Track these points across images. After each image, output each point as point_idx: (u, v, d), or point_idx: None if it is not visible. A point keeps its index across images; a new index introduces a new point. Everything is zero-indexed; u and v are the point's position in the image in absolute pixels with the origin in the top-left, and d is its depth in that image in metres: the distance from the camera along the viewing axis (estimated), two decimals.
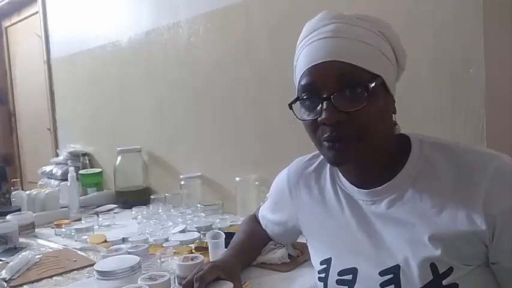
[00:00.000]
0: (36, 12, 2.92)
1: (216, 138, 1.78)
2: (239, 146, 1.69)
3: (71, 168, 2.01)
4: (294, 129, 1.47)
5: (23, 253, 1.28)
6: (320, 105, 0.70)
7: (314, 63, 0.71)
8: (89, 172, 2.26)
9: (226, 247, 1.07)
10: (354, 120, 0.69)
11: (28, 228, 1.56)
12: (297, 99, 0.75)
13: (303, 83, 0.73)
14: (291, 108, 0.76)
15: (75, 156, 2.45)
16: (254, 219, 1.14)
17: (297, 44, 0.78)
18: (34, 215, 1.63)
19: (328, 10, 0.75)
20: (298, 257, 1.09)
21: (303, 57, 0.74)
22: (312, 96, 0.72)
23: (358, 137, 0.70)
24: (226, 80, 1.71)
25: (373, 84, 0.69)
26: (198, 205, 1.70)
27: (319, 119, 0.70)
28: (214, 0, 1.70)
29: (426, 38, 1.15)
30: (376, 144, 0.72)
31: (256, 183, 1.59)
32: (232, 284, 0.86)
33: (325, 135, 0.71)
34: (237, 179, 1.60)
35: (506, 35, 1.14)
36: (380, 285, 0.72)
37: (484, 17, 1.05)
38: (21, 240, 1.47)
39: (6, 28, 3.57)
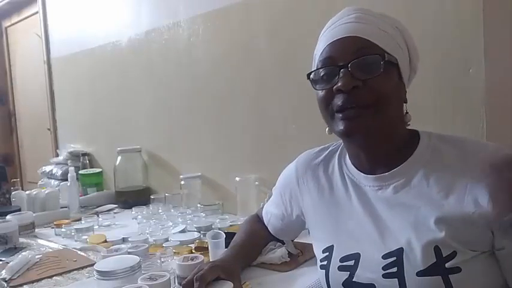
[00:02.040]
0: (36, 12, 2.92)
1: (216, 138, 1.78)
2: (239, 146, 1.69)
3: (71, 168, 2.01)
4: (294, 129, 1.48)
5: (23, 253, 1.28)
6: (337, 75, 0.73)
7: (334, 39, 0.75)
8: (89, 172, 2.26)
9: (226, 247, 1.07)
10: (368, 88, 0.72)
11: (28, 228, 1.56)
12: (315, 70, 0.78)
13: (321, 58, 0.76)
14: (308, 78, 0.79)
15: (75, 156, 2.45)
16: (255, 219, 1.14)
17: (318, 37, 0.81)
18: (34, 215, 1.63)
19: (350, 6, 0.79)
20: (298, 256, 1.09)
21: (323, 40, 0.78)
22: (329, 66, 0.75)
23: (373, 105, 0.72)
24: (226, 80, 1.71)
25: (388, 58, 0.72)
26: (198, 205, 1.70)
27: (334, 87, 0.73)
28: (214, 0, 1.70)
29: (426, 37, 1.15)
30: (388, 118, 0.74)
31: (256, 183, 1.58)
32: (232, 284, 0.86)
33: (339, 104, 0.73)
34: (237, 179, 1.60)
35: (506, 35, 1.14)
36: (382, 268, 0.73)
37: (484, 17, 1.05)
38: (21, 240, 1.47)
39: (6, 28, 3.57)
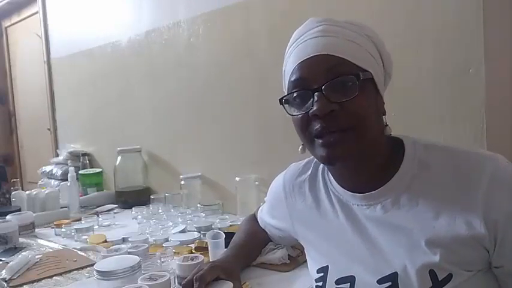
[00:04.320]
0: (36, 12, 2.92)
1: (216, 138, 1.78)
2: (239, 146, 1.69)
3: (71, 168, 2.01)
4: (294, 129, 1.47)
5: (23, 253, 1.28)
6: (311, 99, 0.69)
7: (303, 59, 0.71)
8: (89, 172, 2.26)
9: (226, 247, 1.07)
10: (346, 111, 0.68)
11: (28, 228, 1.56)
12: (288, 95, 0.74)
13: (293, 79, 0.72)
14: (281, 103, 0.75)
15: (75, 156, 2.45)
16: (254, 219, 1.14)
17: (285, 51, 0.78)
18: (34, 215, 1.63)
19: (314, 17, 0.75)
20: (298, 257, 1.09)
21: (292, 58, 0.74)
22: (302, 89, 0.71)
23: (351, 128, 0.68)
24: (226, 80, 1.71)
25: (363, 76, 0.69)
26: (198, 205, 1.70)
27: (310, 112, 0.69)
28: (214, 0, 1.70)
29: (426, 38, 1.15)
30: (369, 139, 0.71)
31: (256, 183, 1.59)
32: (232, 284, 0.86)
33: (317, 128, 0.69)
34: (237, 179, 1.60)
35: (506, 35, 1.14)
36: None
37: (484, 17, 1.05)
38: (21, 240, 1.47)
39: (6, 28, 3.57)
